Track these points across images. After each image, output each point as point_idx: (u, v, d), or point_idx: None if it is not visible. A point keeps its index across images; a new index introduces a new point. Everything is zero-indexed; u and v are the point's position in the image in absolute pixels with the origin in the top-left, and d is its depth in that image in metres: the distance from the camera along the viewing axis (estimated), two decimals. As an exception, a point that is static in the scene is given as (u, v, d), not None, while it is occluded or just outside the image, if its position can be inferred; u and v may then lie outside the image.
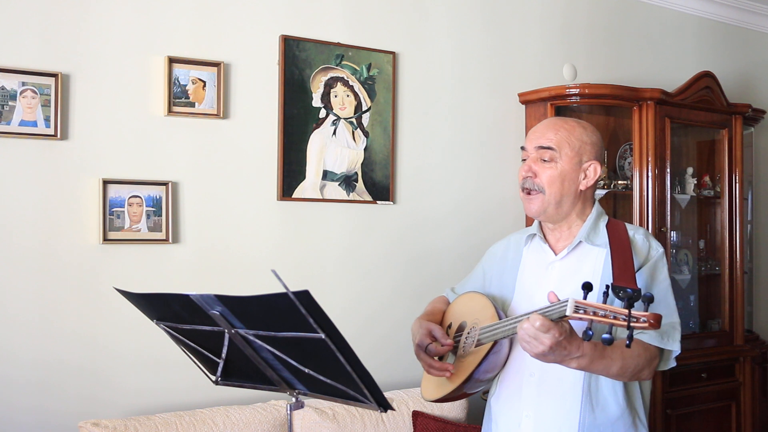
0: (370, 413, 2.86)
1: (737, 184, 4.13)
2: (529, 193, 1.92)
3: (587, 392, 1.83)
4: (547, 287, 1.90)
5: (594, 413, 1.83)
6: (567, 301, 1.55)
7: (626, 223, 1.96)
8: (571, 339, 1.62)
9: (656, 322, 1.49)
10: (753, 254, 4.71)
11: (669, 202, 3.79)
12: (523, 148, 1.97)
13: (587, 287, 1.56)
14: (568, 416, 1.84)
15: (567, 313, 1.54)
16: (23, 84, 2.59)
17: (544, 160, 1.90)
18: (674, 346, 1.81)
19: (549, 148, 1.89)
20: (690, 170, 4.12)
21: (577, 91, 3.58)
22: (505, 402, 1.95)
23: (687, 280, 4.15)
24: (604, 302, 1.55)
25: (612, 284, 1.65)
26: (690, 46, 4.48)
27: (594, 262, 1.89)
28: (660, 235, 3.72)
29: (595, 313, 1.52)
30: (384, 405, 1.64)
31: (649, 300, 1.50)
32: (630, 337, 1.50)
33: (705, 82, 3.95)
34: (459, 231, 3.55)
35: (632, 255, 1.83)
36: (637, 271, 1.84)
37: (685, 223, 4.23)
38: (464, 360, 1.92)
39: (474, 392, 1.98)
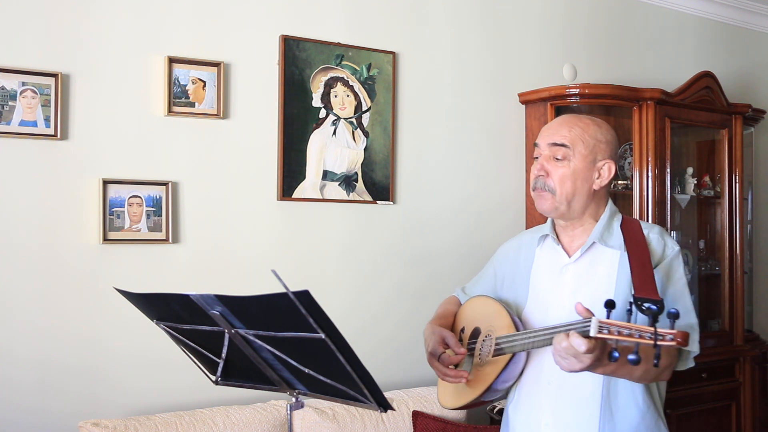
0: (370, 413, 2.86)
1: (737, 184, 4.14)
2: (540, 192, 1.88)
3: (606, 398, 1.81)
4: (562, 292, 1.88)
5: (613, 419, 1.81)
6: (590, 319, 1.53)
7: (641, 221, 1.92)
8: (603, 351, 1.59)
9: (684, 340, 1.47)
10: (753, 254, 4.71)
11: (669, 202, 3.79)
12: (536, 145, 1.92)
13: (610, 305, 1.53)
14: (588, 424, 1.82)
15: (591, 334, 1.51)
16: (23, 84, 2.59)
17: (557, 159, 1.85)
18: (693, 347, 1.79)
19: (563, 145, 1.85)
20: (690, 170, 4.12)
21: (577, 91, 3.58)
22: (524, 410, 1.92)
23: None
24: (628, 319, 1.52)
25: (634, 296, 1.62)
26: (690, 46, 4.48)
27: (608, 264, 1.86)
28: (660, 235, 3.72)
29: (620, 333, 1.50)
30: (384, 405, 1.64)
31: (674, 317, 1.48)
32: (657, 356, 1.48)
33: (705, 82, 3.95)
34: (459, 231, 3.55)
35: (650, 258, 1.79)
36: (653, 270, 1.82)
37: (685, 223, 4.23)
38: (482, 369, 1.89)
39: (492, 400, 1.96)
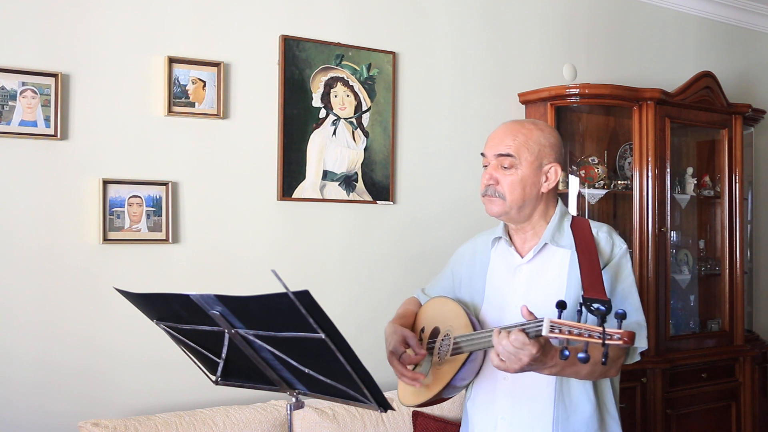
0: (370, 413, 2.86)
1: (737, 184, 4.14)
2: (490, 197, 1.93)
3: (559, 393, 1.86)
4: (516, 292, 1.92)
5: (567, 413, 1.86)
6: (542, 319, 1.57)
7: (590, 221, 1.96)
8: (546, 352, 1.63)
9: (630, 339, 1.52)
10: (753, 254, 4.71)
11: (669, 202, 3.79)
12: (483, 154, 1.96)
13: (561, 306, 1.58)
14: (541, 417, 1.86)
15: (543, 333, 1.56)
16: (23, 84, 2.59)
17: (504, 167, 1.90)
18: (640, 343, 1.83)
19: (508, 155, 1.89)
20: (690, 170, 4.12)
21: (577, 91, 3.58)
22: (481, 405, 1.97)
23: (687, 280, 4.15)
24: (578, 319, 1.56)
25: (583, 297, 1.67)
26: (690, 46, 4.48)
27: (559, 264, 1.90)
28: (660, 235, 3.72)
29: (570, 332, 1.54)
30: (384, 405, 1.64)
31: (622, 317, 1.53)
32: (605, 355, 1.52)
33: (705, 82, 3.95)
34: (459, 231, 3.54)
35: (598, 258, 1.84)
36: (602, 270, 1.86)
37: (685, 223, 4.23)
38: (441, 368, 1.93)
39: (451, 396, 2.01)
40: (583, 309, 1.60)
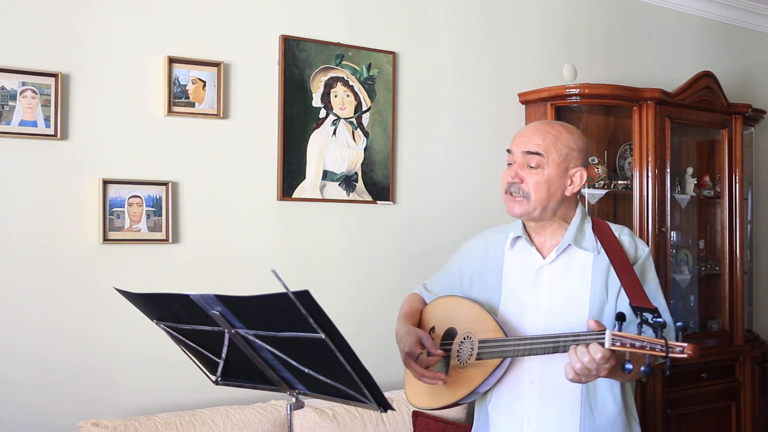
0: (370, 413, 2.86)
1: (737, 184, 4.14)
2: (513, 196, 1.90)
3: (586, 395, 1.85)
4: (538, 293, 1.90)
5: (593, 415, 1.85)
6: (604, 332, 1.58)
7: (609, 223, 1.95)
8: (617, 361, 1.65)
9: (694, 352, 1.53)
10: (753, 254, 4.71)
11: (669, 202, 3.79)
12: (509, 151, 1.93)
13: (621, 318, 1.59)
14: (569, 420, 1.85)
15: (606, 346, 1.57)
16: (23, 84, 2.59)
17: (531, 166, 1.87)
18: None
19: (537, 153, 1.86)
20: (690, 170, 4.12)
21: (577, 91, 3.58)
22: (506, 410, 1.93)
23: (687, 280, 4.15)
24: (639, 332, 1.57)
25: (632, 305, 1.67)
26: (690, 46, 4.49)
27: (582, 266, 1.89)
28: (660, 235, 3.72)
29: (632, 345, 1.56)
30: (384, 405, 1.64)
31: (683, 330, 1.56)
32: (669, 367, 1.54)
33: (705, 82, 3.95)
34: (459, 231, 3.54)
35: (630, 262, 1.83)
36: None
37: (685, 223, 4.23)
38: (465, 372, 1.90)
39: (467, 402, 1.98)
40: (643, 322, 1.61)
